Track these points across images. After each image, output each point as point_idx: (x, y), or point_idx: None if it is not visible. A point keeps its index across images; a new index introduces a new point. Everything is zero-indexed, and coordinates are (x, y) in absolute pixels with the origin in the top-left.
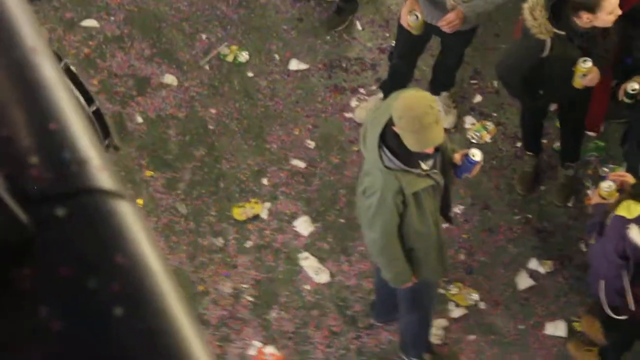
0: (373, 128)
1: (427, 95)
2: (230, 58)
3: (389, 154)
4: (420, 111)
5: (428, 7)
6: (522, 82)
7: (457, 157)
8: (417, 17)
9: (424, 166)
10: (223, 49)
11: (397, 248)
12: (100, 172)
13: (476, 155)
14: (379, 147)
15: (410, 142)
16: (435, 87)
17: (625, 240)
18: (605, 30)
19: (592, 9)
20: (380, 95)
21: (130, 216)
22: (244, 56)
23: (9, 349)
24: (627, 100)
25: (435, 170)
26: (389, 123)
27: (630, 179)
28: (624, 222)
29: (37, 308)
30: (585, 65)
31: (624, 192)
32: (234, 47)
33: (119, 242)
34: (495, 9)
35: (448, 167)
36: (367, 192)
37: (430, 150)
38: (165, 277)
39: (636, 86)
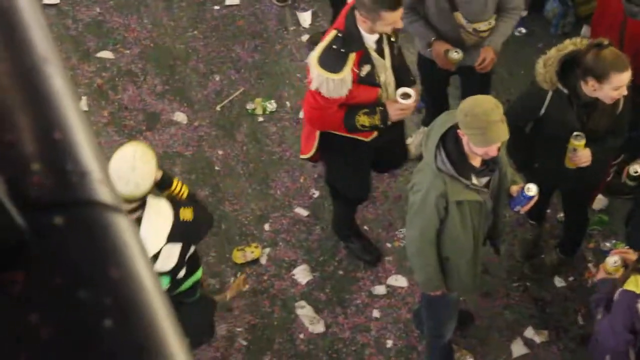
0: (438, 128)
1: (493, 97)
2: (259, 110)
3: (444, 155)
4: (487, 107)
5: None
6: (521, 141)
7: (514, 188)
8: (457, 52)
9: (474, 180)
10: (249, 104)
11: (432, 253)
12: (101, 185)
13: (531, 190)
14: (437, 147)
15: (476, 140)
16: None
17: (634, 314)
18: (604, 106)
19: (600, 77)
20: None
21: (126, 231)
22: (272, 105)
23: None
24: (630, 183)
25: (486, 190)
26: (454, 127)
27: (632, 255)
28: (633, 297)
29: (28, 314)
30: (577, 140)
31: (631, 267)
32: (258, 100)
33: (114, 255)
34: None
35: (503, 194)
36: (414, 189)
37: (493, 151)
38: (157, 295)
39: (639, 168)
